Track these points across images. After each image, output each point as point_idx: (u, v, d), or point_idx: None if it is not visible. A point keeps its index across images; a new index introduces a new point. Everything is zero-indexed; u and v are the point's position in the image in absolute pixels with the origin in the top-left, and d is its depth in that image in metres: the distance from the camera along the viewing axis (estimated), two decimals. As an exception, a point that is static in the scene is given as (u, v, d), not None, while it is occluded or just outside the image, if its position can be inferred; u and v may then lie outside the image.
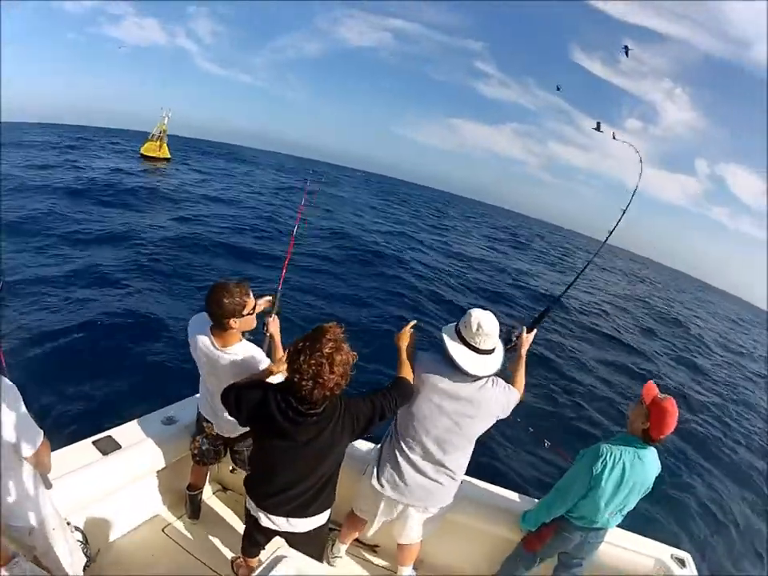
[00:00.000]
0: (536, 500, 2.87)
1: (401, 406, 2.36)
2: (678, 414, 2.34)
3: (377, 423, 2.23)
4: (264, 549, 2.52)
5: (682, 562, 2.74)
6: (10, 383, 1.73)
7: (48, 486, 1.98)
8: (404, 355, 2.53)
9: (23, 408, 1.75)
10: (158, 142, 42.15)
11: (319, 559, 2.45)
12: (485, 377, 2.41)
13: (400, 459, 2.53)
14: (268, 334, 2.80)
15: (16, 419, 1.71)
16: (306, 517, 2.29)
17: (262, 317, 2.71)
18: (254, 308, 2.51)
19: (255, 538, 2.48)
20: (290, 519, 2.28)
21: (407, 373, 2.46)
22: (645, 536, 2.93)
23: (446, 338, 2.43)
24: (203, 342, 2.60)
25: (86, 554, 2.31)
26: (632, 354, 14.27)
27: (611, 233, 3.13)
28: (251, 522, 2.42)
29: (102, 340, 7.64)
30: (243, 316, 2.46)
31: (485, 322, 2.35)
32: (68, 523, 2.18)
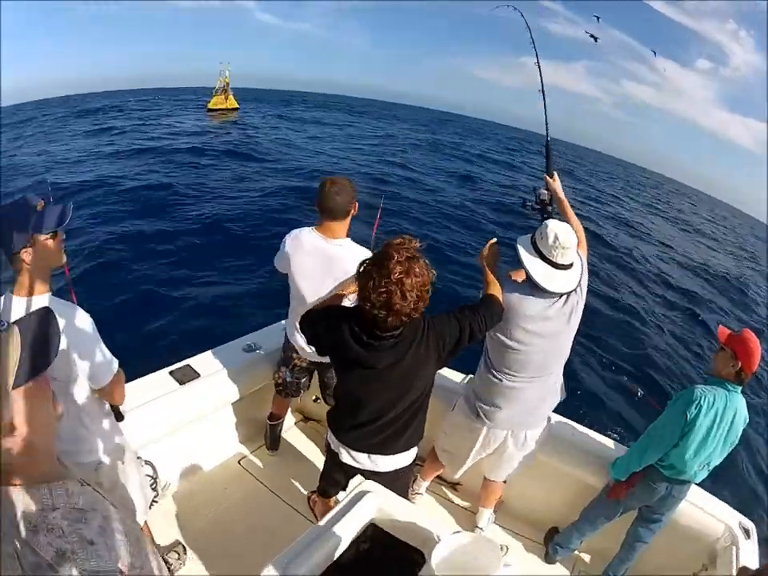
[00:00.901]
0: (624, 446, 2.76)
1: (491, 327, 2.10)
2: (758, 341, 2.28)
3: (465, 345, 1.97)
4: (344, 489, 2.41)
5: (747, 533, 2.55)
6: (85, 313, 1.66)
7: (119, 418, 1.92)
8: (489, 272, 2.30)
9: (97, 338, 1.68)
10: (224, 95, 43.05)
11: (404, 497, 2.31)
12: (563, 294, 2.25)
13: (501, 388, 2.38)
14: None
15: (89, 350, 1.64)
16: (390, 454, 2.10)
17: None
18: None
19: (334, 476, 2.34)
20: (371, 456, 2.09)
21: (495, 290, 2.21)
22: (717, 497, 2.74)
23: (521, 251, 2.25)
24: (310, 240, 2.50)
25: (153, 488, 2.27)
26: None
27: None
28: (331, 458, 2.27)
29: (184, 269, 7.94)
30: (354, 204, 2.49)
31: (562, 233, 2.16)
32: (138, 457, 2.13)
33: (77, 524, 0.84)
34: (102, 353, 1.70)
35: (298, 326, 2.12)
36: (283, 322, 2.99)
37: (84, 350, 1.63)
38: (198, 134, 25.60)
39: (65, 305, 1.64)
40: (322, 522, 1.66)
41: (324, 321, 1.95)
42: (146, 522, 2.11)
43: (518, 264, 2.26)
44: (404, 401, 1.96)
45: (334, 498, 2.49)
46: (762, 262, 24.11)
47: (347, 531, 1.63)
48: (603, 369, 7.30)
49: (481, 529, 2.84)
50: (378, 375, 1.87)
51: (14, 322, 0.88)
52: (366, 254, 2.40)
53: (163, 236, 9.45)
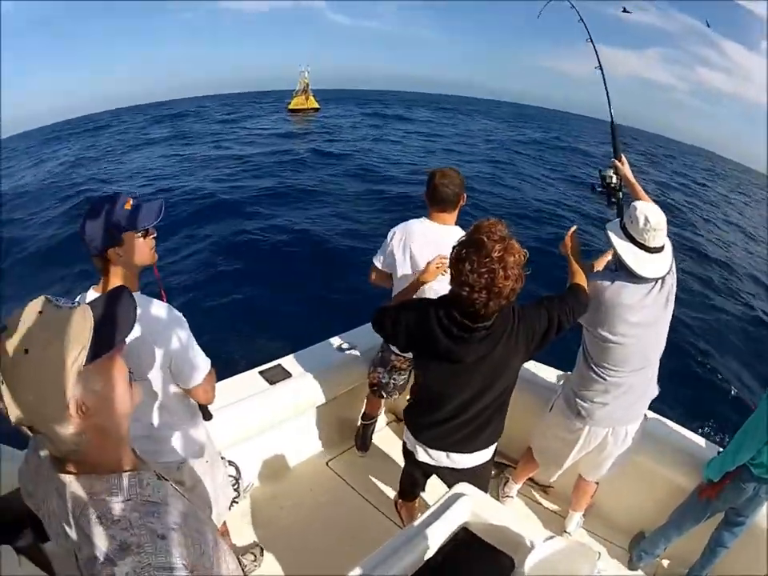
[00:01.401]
0: (719, 447, 2.60)
1: (578, 317, 2.02)
2: None
3: (553, 337, 1.89)
4: (423, 490, 2.39)
5: None
6: (176, 311, 1.63)
7: (207, 417, 1.89)
8: (573, 262, 2.23)
9: (189, 337, 1.64)
10: (304, 95, 44.09)
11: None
12: (658, 279, 2.17)
13: (605, 384, 2.29)
14: None
15: (179, 349, 1.60)
16: (470, 452, 2.02)
17: None
18: None
19: (412, 476, 2.29)
20: (450, 454, 2.01)
21: (581, 279, 2.14)
22: None
23: (612, 236, 2.17)
24: (418, 227, 2.49)
25: (235, 489, 2.23)
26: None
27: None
28: (407, 458, 2.21)
29: (286, 268, 8.13)
30: (464, 195, 2.48)
31: (652, 215, 2.08)
32: (222, 458, 2.10)
33: (148, 517, 0.78)
34: (194, 352, 1.66)
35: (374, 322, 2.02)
36: None
37: (174, 348, 1.59)
38: (284, 135, 26.55)
39: (155, 302, 1.60)
40: (414, 524, 1.61)
41: (407, 314, 1.86)
42: (224, 521, 2.09)
43: (605, 250, 2.29)
44: (488, 396, 1.88)
45: (416, 500, 2.46)
46: None
47: (438, 534, 1.58)
48: (695, 365, 6.95)
49: (569, 533, 2.75)
50: (465, 369, 1.79)
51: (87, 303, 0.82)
52: None
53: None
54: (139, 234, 1.56)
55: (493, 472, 2.97)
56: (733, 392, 6.39)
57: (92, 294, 1.56)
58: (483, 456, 2.06)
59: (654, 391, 2.43)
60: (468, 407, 1.89)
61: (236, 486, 2.26)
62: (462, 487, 1.75)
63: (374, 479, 2.91)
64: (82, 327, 0.76)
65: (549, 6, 3.05)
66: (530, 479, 2.95)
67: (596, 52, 2.73)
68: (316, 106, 43.90)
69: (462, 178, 2.48)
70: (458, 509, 1.64)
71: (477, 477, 2.05)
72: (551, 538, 1.43)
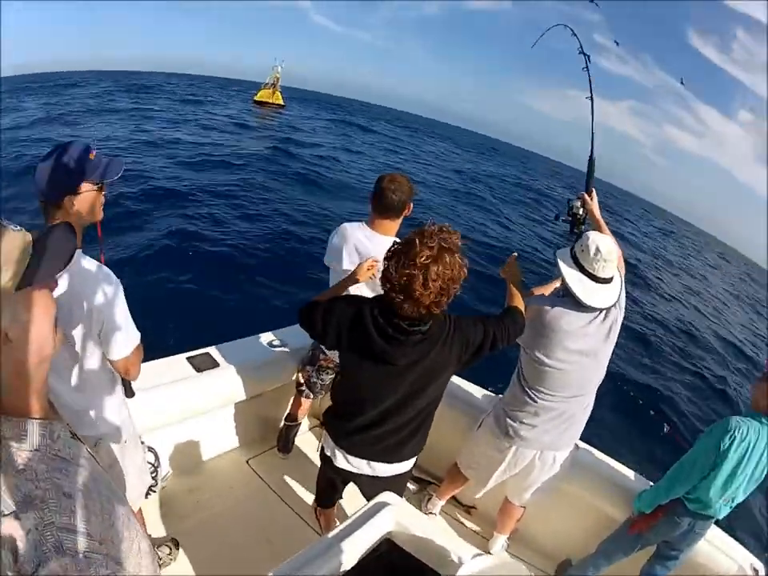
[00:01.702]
0: (647, 480, 2.67)
1: (513, 339, 1.97)
2: None
3: (485, 353, 1.84)
4: (340, 497, 2.32)
5: (756, 573, 2.46)
6: (114, 277, 1.54)
7: (130, 394, 1.79)
8: (512, 285, 2.24)
9: (124, 305, 1.56)
10: (272, 89, 43.72)
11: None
12: (603, 309, 2.20)
13: (536, 407, 2.31)
14: None
15: (113, 316, 1.51)
16: (392, 462, 1.96)
17: None
18: None
19: (330, 483, 2.20)
20: (371, 463, 1.94)
21: (518, 302, 2.12)
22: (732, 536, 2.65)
23: (561, 263, 2.19)
24: (357, 233, 2.43)
25: (153, 477, 2.12)
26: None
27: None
28: (325, 463, 2.11)
29: (231, 257, 8.08)
30: (410, 204, 2.42)
31: (603, 245, 2.11)
32: (142, 442, 1.99)
33: (55, 472, 0.74)
34: (127, 322, 1.57)
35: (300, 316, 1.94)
36: None
37: (108, 315, 1.50)
38: (243, 126, 26.18)
39: (94, 262, 1.52)
40: (335, 532, 1.53)
41: (341, 309, 1.78)
42: (139, 509, 1.99)
43: (550, 279, 2.31)
44: (415, 404, 1.83)
45: (334, 507, 2.39)
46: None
47: (360, 544, 1.52)
48: (627, 400, 7.18)
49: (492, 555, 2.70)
50: (396, 372, 1.73)
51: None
52: None
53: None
54: (96, 187, 1.52)
55: (416, 487, 2.98)
56: (665, 429, 6.52)
57: None
58: (404, 466, 2.02)
59: (585, 420, 2.45)
60: (393, 414, 1.83)
61: (154, 474, 2.13)
62: (387, 496, 1.71)
63: (293, 483, 2.85)
64: (14, 248, 0.71)
65: (548, 33, 3.05)
66: (454, 498, 2.95)
67: (589, 80, 2.76)
68: (281, 102, 43.63)
69: (412, 186, 2.43)
70: (381, 518, 1.59)
71: (394, 484, 1.99)
72: (479, 555, 1.40)
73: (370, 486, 1.99)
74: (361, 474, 1.99)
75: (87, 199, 1.50)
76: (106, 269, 1.54)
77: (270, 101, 42.93)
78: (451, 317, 1.77)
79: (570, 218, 2.56)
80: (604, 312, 2.20)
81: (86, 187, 1.49)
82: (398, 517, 1.62)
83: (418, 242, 1.52)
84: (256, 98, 43.08)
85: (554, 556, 2.79)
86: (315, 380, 2.75)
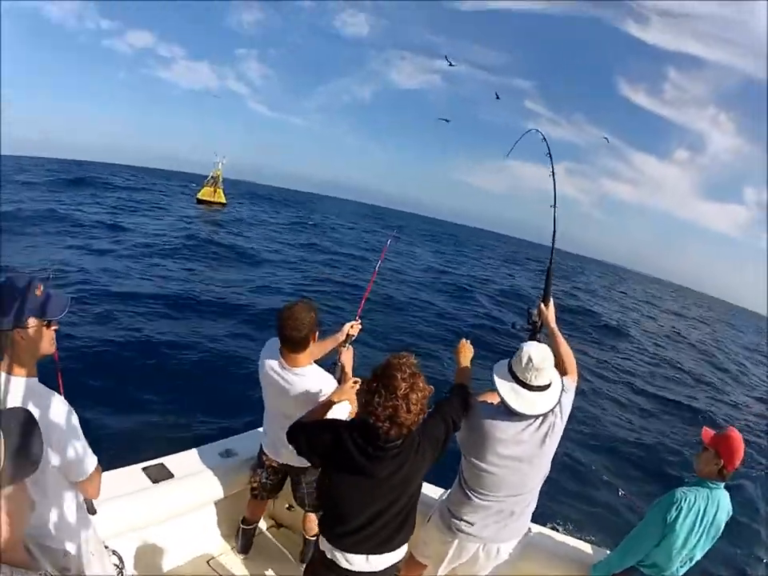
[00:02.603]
0: (607, 550, 2.75)
1: (464, 414, 2.28)
2: (742, 438, 2.35)
3: (450, 439, 2.16)
4: None
5: None
6: (67, 405, 1.63)
7: (92, 511, 1.87)
8: (459, 364, 2.52)
9: (78, 431, 1.65)
10: (213, 188, 44.20)
11: None
12: (539, 416, 2.26)
13: (473, 505, 2.37)
14: (339, 364, 2.72)
15: (67, 443, 1.61)
16: (386, 552, 2.13)
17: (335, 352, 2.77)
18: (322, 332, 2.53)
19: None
20: (369, 557, 2.10)
21: (463, 380, 2.45)
22: None
23: (495, 376, 2.29)
24: (271, 364, 2.53)
25: None
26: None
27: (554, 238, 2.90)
28: (324, 564, 2.20)
29: (170, 366, 7.95)
30: (314, 334, 2.44)
31: (535, 355, 2.19)
32: (106, 547, 2.06)
33: None
34: (82, 447, 1.66)
35: (285, 437, 2.15)
36: (260, 429, 3.00)
37: (63, 442, 1.59)
38: (185, 228, 26.07)
39: (48, 394, 1.61)
40: None
41: (323, 435, 2.03)
42: None
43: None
44: (398, 504, 2.04)
45: None
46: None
47: None
48: (582, 466, 7.37)
49: None
50: (378, 483, 1.95)
51: None
52: (328, 383, 2.48)
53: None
54: (44, 323, 1.59)
55: None
56: (620, 493, 6.75)
57: (2, 375, 1.56)
58: (398, 555, 2.19)
59: (530, 513, 2.49)
60: (380, 516, 2.02)
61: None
62: None
63: None
64: None
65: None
66: None
67: (554, 189, 2.90)
68: (223, 200, 44.03)
69: (313, 313, 2.44)
70: None
71: (389, 574, 2.20)
72: None
73: None
74: (360, 572, 2.13)
75: (36, 335, 1.57)
76: (57, 397, 1.62)
77: (212, 199, 43.29)
78: (418, 428, 1.97)
79: (530, 326, 2.71)
80: (540, 419, 2.25)
81: (33, 323, 1.55)
82: None
83: (393, 375, 1.79)
84: (198, 196, 43.34)
85: None
86: (265, 481, 2.84)
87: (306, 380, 2.48)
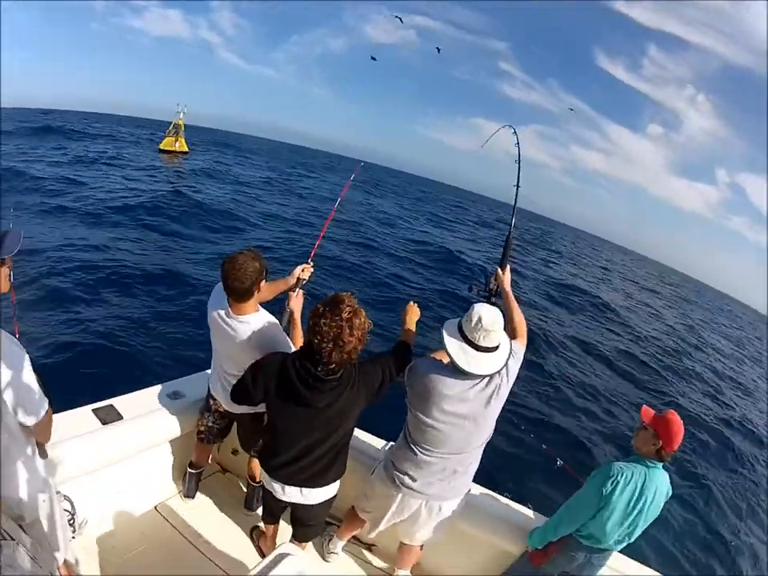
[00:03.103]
0: (543, 516, 2.81)
1: (402, 369, 2.38)
2: (682, 422, 2.34)
3: (386, 388, 2.31)
4: (278, 521, 2.77)
5: None
6: (20, 347, 1.63)
7: (44, 455, 1.88)
8: (406, 324, 2.61)
9: (30, 374, 1.64)
10: (175, 137, 42.89)
11: (323, 526, 2.74)
12: (486, 376, 2.28)
13: (417, 461, 2.42)
14: (288, 309, 2.74)
15: (20, 385, 1.60)
16: (319, 486, 2.36)
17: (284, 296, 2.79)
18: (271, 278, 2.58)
19: (271, 508, 2.66)
20: (303, 490, 2.34)
21: (408, 339, 2.54)
22: (643, 563, 2.85)
23: (444, 333, 2.29)
24: (218, 312, 2.55)
25: (71, 524, 2.21)
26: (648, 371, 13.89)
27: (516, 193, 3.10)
28: (267, 494, 2.52)
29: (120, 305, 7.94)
30: (260, 283, 2.43)
31: (485, 316, 2.20)
32: (57, 492, 2.07)
33: None
34: (34, 390, 1.66)
35: (229, 372, 2.38)
36: (208, 371, 3.01)
37: (15, 385, 1.59)
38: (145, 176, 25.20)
39: (2, 334, 1.61)
40: None
41: (266, 368, 2.18)
42: (65, 559, 2.04)
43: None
44: (333, 438, 2.24)
45: (275, 526, 2.81)
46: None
47: None
48: (523, 433, 7.52)
49: None
50: (315, 414, 2.14)
51: None
52: (273, 329, 2.53)
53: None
54: None
55: None
56: (559, 464, 6.57)
57: None
58: (330, 490, 2.43)
59: (472, 473, 2.54)
60: (315, 448, 2.23)
61: (72, 522, 2.23)
62: (287, 547, 1.89)
63: (201, 525, 2.97)
64: None
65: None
66: (355, 537, 3.10)
67: (518, 174, 3.05)
68: (185, 149, 42.78)
69: (258, 262, 2.39)
70: (283, 567, 1.75)
71: (323, 509, 2.49)
72: None
73: (303, 512, 2.48)
74: (296, 503, 2.41)
75: None
76: (10, 339, 1.62)
77: (174, 149, 42.06)
78: (356, 365, 2.18)
79: (486, 291, 2.79)
80: (486, 379, 2.26)
81: None
82: (299, 565, 1.79)
83: (340, 302, 1.98)
84: (160, 146, 41.99)
85: None
86: (212, 425, 2.92)
87: (251, 327, 2.48)
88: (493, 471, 5.57)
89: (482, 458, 2.52)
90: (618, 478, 2.32)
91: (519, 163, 3.15)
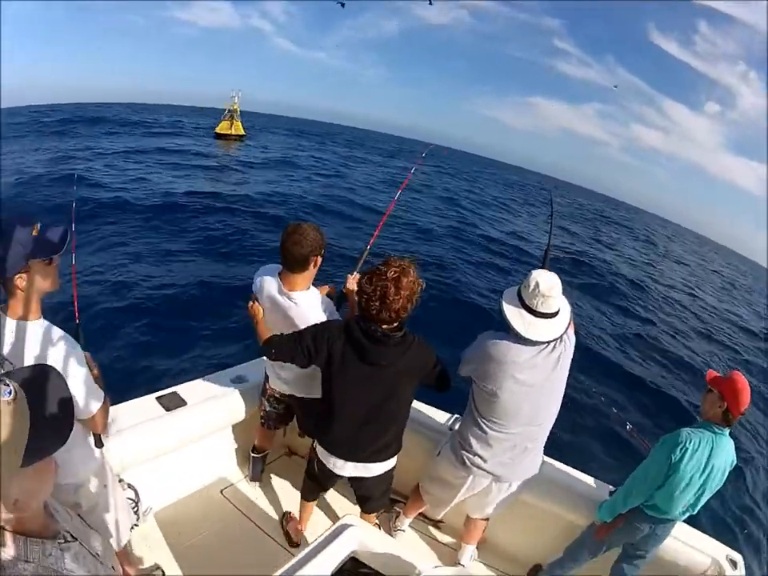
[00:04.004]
0: (611, 486, 2.77)
1: (447, 388, 2.33)
2: (747, 383, 2.28)
3: (431, 380, 2.27)
4: (316, 501, 2.76)
5: (734, 564, 2.58)
6: (75, 343, 1.65)
7: (99, 445, 1.90)
8: None
9: (83, 369, 1.66)
10: (230, 121, 43.77)
11: (388, 499, 2.68)
12: (549, 342, 2.25)
13: (486, 438, 2.37)
14: (344, 291, 2.67)
15: (75, 381, 1.62)
16: (382, 461, 2.34)
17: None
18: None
19: (319, 481, 2.58)
20: (367, 465, 2.33)
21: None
22: (704, 532, 2.76)
23: (503, 301, 2.30)
24: (270, 286, 2.47)
25: (135, 512, 2.25)
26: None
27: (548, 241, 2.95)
28: (321, 466, 2.43)
29: (182, 304, 8.06)
30: (317, 257, 2.39)
31: (543, 282, 2.17)
32: (120, 480, 2.12)
33: None
34: (88, 384, 1.68)
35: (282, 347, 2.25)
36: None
37: (71, 380, 1.59)
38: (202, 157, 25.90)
39: (55, 332, 1.62)
40: (301, 555, 1.64)
41: (330, 329, 2.18)
42: (125, 545, 2.09)
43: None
44: (390, 407, 2.22)
45: (312, 503, 2.78)
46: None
47: (327, 564, 1.64)
48: (593, 401, 7.36)
49: (462, 565, 2.83)
50: (378, 372, 2.13)
51: (20, 384, 0.80)
52: (317, 313, 2.42)
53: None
54: (45, 262, 1.57)
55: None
56: (628, 427, 6.69)
57: (4, 319, 1.55)
58: (390, 464, 2.40)
59: (541, 453, 2.53)
60: (375, 414, 2.20)
61: (135, 509, 2.27)
62: (350, 519, 1.86)
63: (267, 508, 2.99)
64: (16, 430, 0.75)
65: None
66: (422, 514, 3.06)
67: (551, 211, 3.13)
68: (241, 132, 43.71)
69: (321, 237, 2.36)
70: (345, 539, 1.72)
71: (384, 479, 2.44)
72: (439, 566, 1.53)
73: (363, 484, 2.44)
74: (354, 476, 2.39)
75: (37, 274, 1.56)
76: (66, 337, 1.63)
77: (230, 132, 42.98)
78: (416, 337, 2.18)
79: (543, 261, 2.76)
80: (552, 345, 2.25)
81: (34, 263, 1.53)
82: (360, 537, 1.75)
83: (387, 264, 2.02)
84: (216, 130, 43.04)
85: (524, 562, 2.94)
86: (270, 410, 2.89)
87: (305, 304, 2.42)
88: (559, 440, 5.31)
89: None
90: (687, 444, 2.25)
91: (552, 219, 3.26)
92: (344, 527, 1.78)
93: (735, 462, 2.35)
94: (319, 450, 2.38)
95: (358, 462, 2.31)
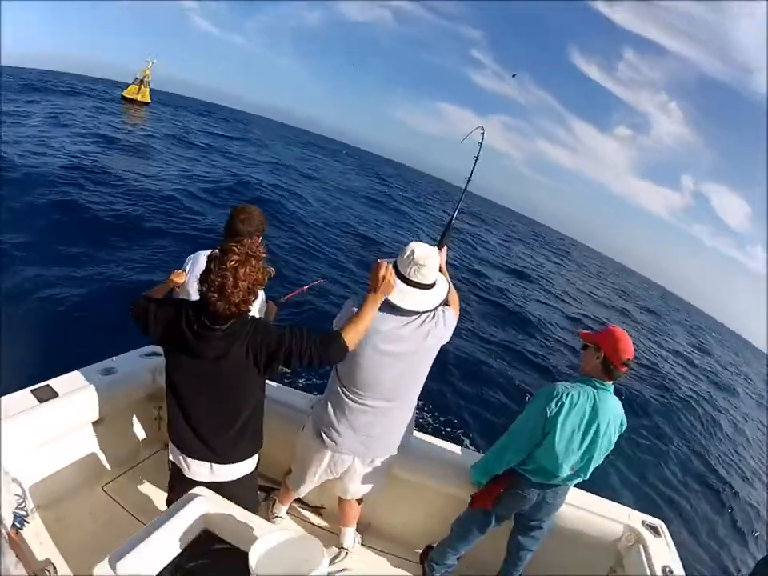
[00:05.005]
0: (482, 453, 2.72)
1: (315, 363, 2.04)
2: (626, 334, 2.23)
3: (279, 361, 2.02)
4: None
5: (655, 530, 2.57)
6: None
7: None
8: (368, 303, 2.14)
9: None
10: (139, 86, 41.60)
11: (253, 511, 2.18)
12: (424, 312, 2.23)
13: (347, 410, 2.34)
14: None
15: None
16: (230, 463, 2.16)
17: None
18: None
19: (180, 491, 2.17)
20: (213, 466, 2.14)
21: (347, 330, 2.08)
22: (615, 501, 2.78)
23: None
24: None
25: (22, 508, 2.22)
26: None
27: (468, 180, 2.99)
28: (175, 471, 2.27)
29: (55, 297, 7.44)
30: (259, 238, 2.38)
31: (419, 251, 2.17)
32: (6, 473, 2.06)
33: None
34: None
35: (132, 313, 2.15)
36: (140, 349, 3.04)
37: None
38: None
39: None
40: (152, 522, 1.65)
41: (164, 310, 2.06)
42: (15, 540, 2.03)
43: None
44: (228, 403, 2.06)
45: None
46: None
47: (178, 532, 1.66)
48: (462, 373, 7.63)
49: (346, 549, 2.79)
50: (207, 368, 1.98)
51: None
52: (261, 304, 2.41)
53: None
54: None
55: (263, 495, 3.05)
56: (499, 401, 6.88)
57: None
58: (243, 467, 2.20)
59: (405, 431, 2.47)
60: (212, 410, 2.06)
61: (23, 505, 2.20)
62: (199, 490, 1.88)
63: (146, 504, 2.97)
64: None
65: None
66: (301, 501, 3.03)
67: (473, 169, 2.95)
68: (147, 100, 41.55)
69: (264, 219, 2.50)
70: (195, 507, 1.73)
71: (243, 487, 2.21)
72: (280, 531, 1.53)
73: (219, 492, 2.02)
74: (207, 482, 2.12)
75: None
76: None
77: (136, 97, 40.73)
78: (256, 320, 2.04)
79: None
80: (422, 318, 2.22)
81: None
82: (209, 507, 1.77)
83: (229, 250, 1.83)
84: (123, 93, 40.74)
85: (414, 543, 2.93)
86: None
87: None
88: (428, 412, 5.34)
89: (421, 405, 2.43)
90: (563, 398, 2.19)
91: (476, 160, 3.07)
92: (192, 496, 1.81)
93: (626, 424, 2.28)
94: (170, 447, 2.24)
95: (202, 461, 2.14)
